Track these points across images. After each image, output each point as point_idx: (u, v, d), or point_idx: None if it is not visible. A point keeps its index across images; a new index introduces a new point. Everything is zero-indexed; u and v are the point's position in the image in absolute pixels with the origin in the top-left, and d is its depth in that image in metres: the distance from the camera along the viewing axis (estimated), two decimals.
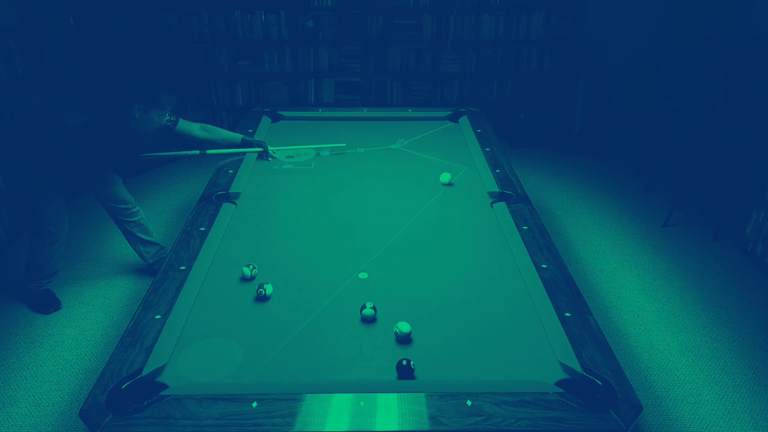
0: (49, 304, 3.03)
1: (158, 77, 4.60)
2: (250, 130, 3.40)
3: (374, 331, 1.85)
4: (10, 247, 3.60)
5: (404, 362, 1.66)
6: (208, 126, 3.09)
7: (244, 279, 2.10)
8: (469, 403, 1.53)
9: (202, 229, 2.37)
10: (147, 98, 2.65)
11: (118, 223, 3.14)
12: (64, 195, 2.90)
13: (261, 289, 1.98)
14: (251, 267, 2.10)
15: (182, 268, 2.11)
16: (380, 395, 1.56)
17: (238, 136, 3.11)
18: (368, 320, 1.88)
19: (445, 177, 2.79)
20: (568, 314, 1.88)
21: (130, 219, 3.13)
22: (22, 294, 3.09)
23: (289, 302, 1.98)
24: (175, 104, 2.82)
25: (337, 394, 1.56)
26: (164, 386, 1.60)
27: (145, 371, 1.63)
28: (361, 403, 1.54)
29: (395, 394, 1.56)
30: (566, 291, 2.00)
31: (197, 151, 3.00)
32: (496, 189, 2.74)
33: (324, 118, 3.71)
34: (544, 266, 2.14)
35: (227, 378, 1.66)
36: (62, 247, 3.00)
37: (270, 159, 3.09)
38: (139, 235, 3.18)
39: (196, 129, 3.04)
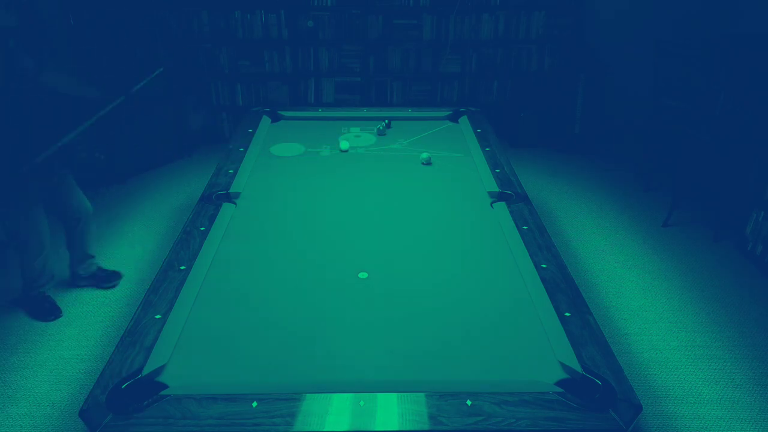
0: (49, 312, 2.99)
1: (162, 82, 4.55)
2: (250, 130, 3.40)
3: (374, 330, 1.85)
4: (10, 247, 3.60)
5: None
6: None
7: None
8: (469, 403, 1.53)
9: (202, 229, 2.37)
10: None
11: (67, 229, 3.04)
12: (37, 203, 2.78)
13: None
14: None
15: (182, 268, 2.11)
16: (380, 395, 1.56)
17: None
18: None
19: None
20: (568, 314, 1.88)
21: (81, 226, 3.03)
22: (21, 302, 3.05)
23: (289, 302, 1.98)
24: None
25: (337, 394, 1.56)
26: (164, 386, 1.60)
27: (145, 371, 1.64)
28: (361, 403, 1.54)
29: (395, 394, 1.56)
30: (566, 291, 2.00)
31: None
32: (496, 189, 2.74)
33: (324, 118, 3.71)
34: (544, 266, 2.14)
35: (227, 378, 1.66)
36: (49, 253, 2.93)
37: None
38: (85, 243, 3.09)
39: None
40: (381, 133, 3.38)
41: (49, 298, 3.03)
